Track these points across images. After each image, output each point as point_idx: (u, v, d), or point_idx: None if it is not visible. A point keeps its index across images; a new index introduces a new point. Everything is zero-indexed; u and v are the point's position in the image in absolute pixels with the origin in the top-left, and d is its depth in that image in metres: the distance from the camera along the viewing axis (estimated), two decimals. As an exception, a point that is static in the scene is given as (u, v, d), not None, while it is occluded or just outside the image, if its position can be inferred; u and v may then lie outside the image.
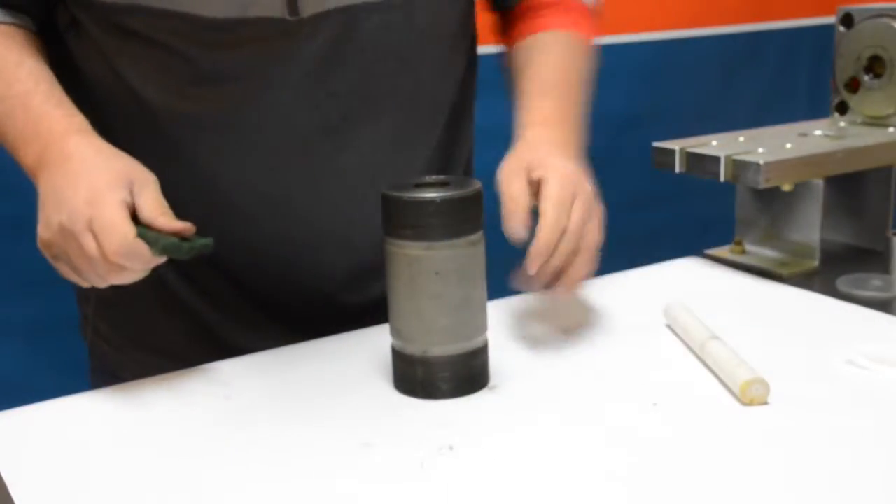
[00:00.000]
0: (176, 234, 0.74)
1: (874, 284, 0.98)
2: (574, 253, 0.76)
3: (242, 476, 0.63)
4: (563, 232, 0.76)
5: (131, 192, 0.74)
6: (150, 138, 0.83)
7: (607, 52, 1.96)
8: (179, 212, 0.76)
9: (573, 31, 0.96)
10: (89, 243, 0.72)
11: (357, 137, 0.85)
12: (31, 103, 0.78)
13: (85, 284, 0.76)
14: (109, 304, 0.94)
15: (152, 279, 0.77)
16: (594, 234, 0.78)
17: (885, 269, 1.04)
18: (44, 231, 0.74)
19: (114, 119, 0.84)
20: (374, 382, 0.76)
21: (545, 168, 0.78)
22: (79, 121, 0.79)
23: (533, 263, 0.75)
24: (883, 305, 0.93)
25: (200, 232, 0.76)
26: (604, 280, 1.01)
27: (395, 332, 0.75)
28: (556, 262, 0.76)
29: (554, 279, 0.77)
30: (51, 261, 0.76)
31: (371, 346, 0.83)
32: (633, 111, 2.02)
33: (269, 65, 0.80)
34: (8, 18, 0.82)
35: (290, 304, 0.91)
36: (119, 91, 0.83)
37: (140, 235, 0.72)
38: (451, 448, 0.66)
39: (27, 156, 0.78)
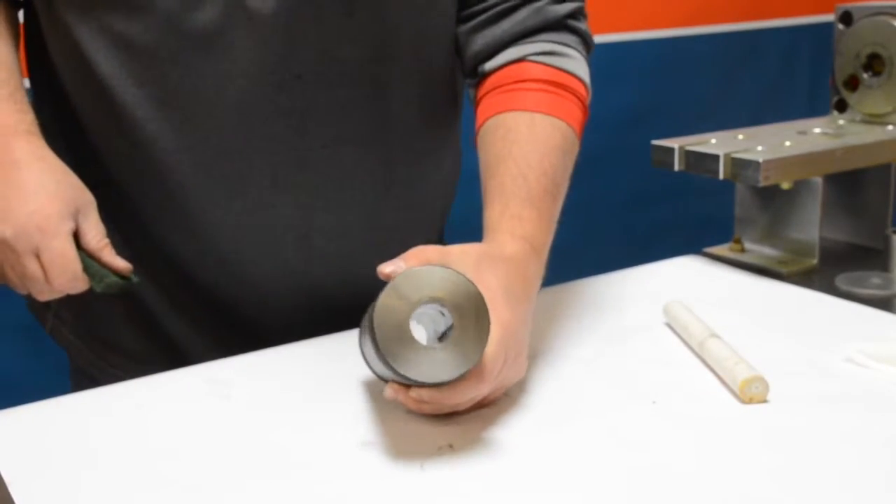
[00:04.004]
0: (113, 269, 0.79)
1: (873, 282, 0.98)
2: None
3: (242, 476, 0.63)
4: (482, 383, 0.65)
5: (76, 219, 0.77)
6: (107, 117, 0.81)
7: (607, 50, 1.97)
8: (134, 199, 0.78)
9: (566, 122, 0.83)
10: (34, 268, 0.75)
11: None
12: None
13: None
14: (70, 303, 0.89)
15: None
16: (519, 373, 0.71)
17: (885, 267, 1.04)
18: None
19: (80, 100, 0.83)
20: (374, 382, 0.76)
21: (491, 312, 0.64)
22: (29, 119, 0.79)
23: (434, 397, 0.64)
24: (882, 303, 0.93)
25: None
26: (604, 279, 1.01)
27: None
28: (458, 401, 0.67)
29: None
30: None
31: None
32: (632, 109, 2.02)
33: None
34: None
35: (242, 307, 0.89)
36: (78, 65, 0.80)
37: (85, 269, 0.77)
38: (451, 448, 0.66)
39: None
